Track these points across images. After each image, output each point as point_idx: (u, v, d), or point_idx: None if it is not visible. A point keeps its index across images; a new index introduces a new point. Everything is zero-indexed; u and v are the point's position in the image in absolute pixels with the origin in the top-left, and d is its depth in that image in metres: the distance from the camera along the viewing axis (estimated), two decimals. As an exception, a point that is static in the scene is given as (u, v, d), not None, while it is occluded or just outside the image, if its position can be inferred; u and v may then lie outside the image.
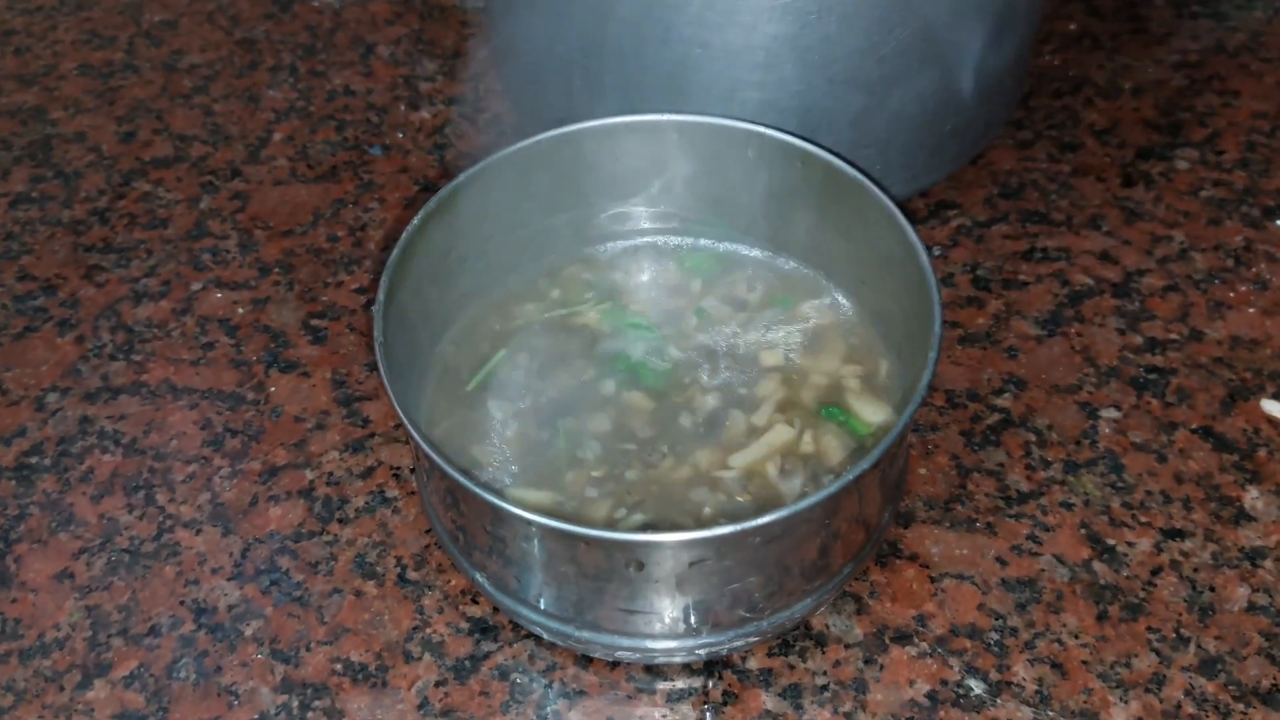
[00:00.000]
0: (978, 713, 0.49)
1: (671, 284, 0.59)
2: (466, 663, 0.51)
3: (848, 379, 0.54)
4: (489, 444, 0.52)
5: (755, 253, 0.60)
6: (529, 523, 0.43)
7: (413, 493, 0.57)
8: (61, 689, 0.51)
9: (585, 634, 0.48)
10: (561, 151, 0.56)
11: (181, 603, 0.54)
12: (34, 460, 0.59)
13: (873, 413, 0.53)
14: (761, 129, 0.55)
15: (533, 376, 0.55)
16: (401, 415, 0.45)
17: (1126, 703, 0.50)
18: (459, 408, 0.54)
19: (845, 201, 0.54)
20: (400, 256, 0.50)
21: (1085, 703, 0.50)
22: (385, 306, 0.48)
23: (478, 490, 0.43)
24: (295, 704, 0.50)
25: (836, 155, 0.54)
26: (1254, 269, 0.66)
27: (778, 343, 0.56)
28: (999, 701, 0.50)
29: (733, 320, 0.57)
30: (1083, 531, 0.55)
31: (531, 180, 0.56)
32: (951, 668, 0.51)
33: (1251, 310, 0.64)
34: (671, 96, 0.61)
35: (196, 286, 0.67)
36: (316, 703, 0.50)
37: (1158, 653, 0.51)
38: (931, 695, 0.50)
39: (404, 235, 0.50)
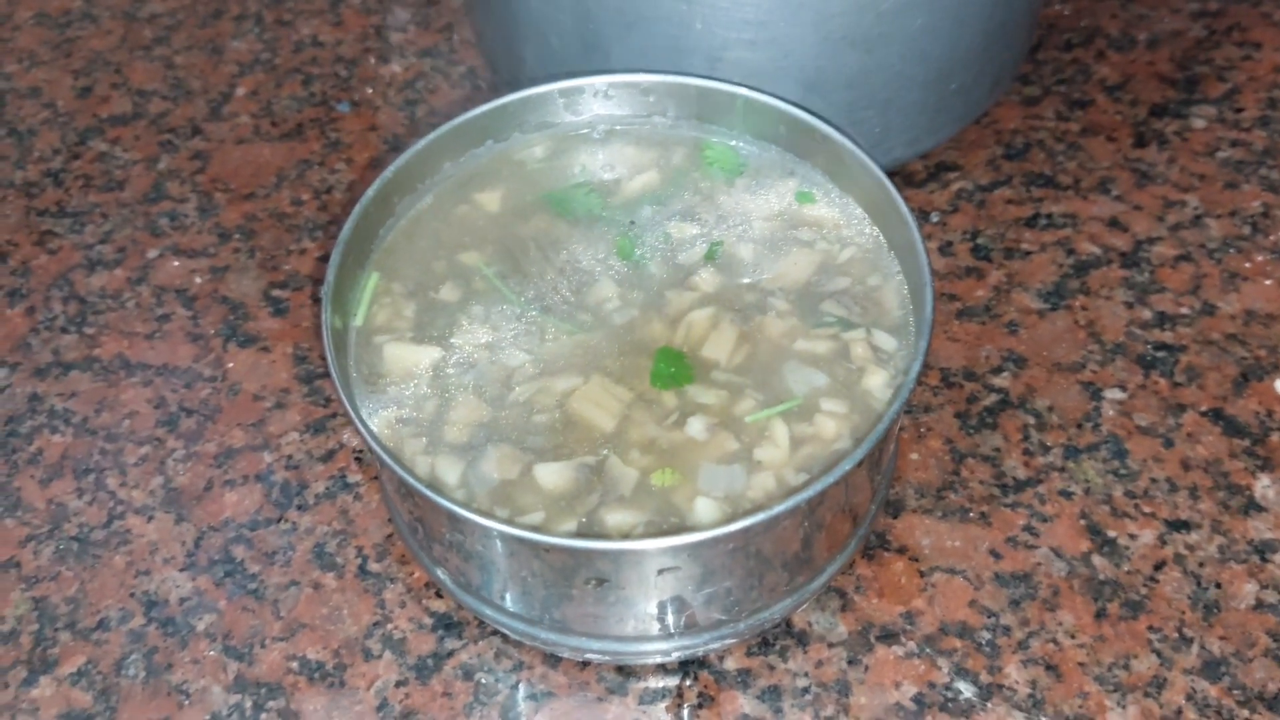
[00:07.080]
0: (966, 717, 0.47)
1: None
2: (429, 661, 0.49)
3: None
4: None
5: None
6: (486, 529, 0.40)
7: (375, 477, 0.54)
8: (6, 686, 0.49)
9: (552, 635, 0.46)
10: (525, 117, 0.52)
11: (132, 595, 0.51)
12: (-20, 441, 0.57)
13: None
14: (746, 91, 0.51)
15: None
16: (348, 407, 0.42)
17: (1124, 707, 0.47)
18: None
19: (838, 170, 0.50)
20: (351, 234, 0.46)
21: (1080, 707, 0.47)
22: (334, 287, 0.45)
23: (434, 495, 0.40)
24: (249, 704, 0.48)
25: (828, 122, 0.50)
26: (1272, 236, 0.62)
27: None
28: (989, 705, 0.47)
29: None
30: (1082, 522, 0.52)
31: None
32: (940, 669, 0.48)
33: (1268, 282, 0.60)
34: (654, 56, 0.57)
35: (153, 254, 0.64)
36: (270, 703, 0.48)
37: (1158, 654, 0.48)
38: (918, 698, 0.47)
39: (354, 212, 0.47)
